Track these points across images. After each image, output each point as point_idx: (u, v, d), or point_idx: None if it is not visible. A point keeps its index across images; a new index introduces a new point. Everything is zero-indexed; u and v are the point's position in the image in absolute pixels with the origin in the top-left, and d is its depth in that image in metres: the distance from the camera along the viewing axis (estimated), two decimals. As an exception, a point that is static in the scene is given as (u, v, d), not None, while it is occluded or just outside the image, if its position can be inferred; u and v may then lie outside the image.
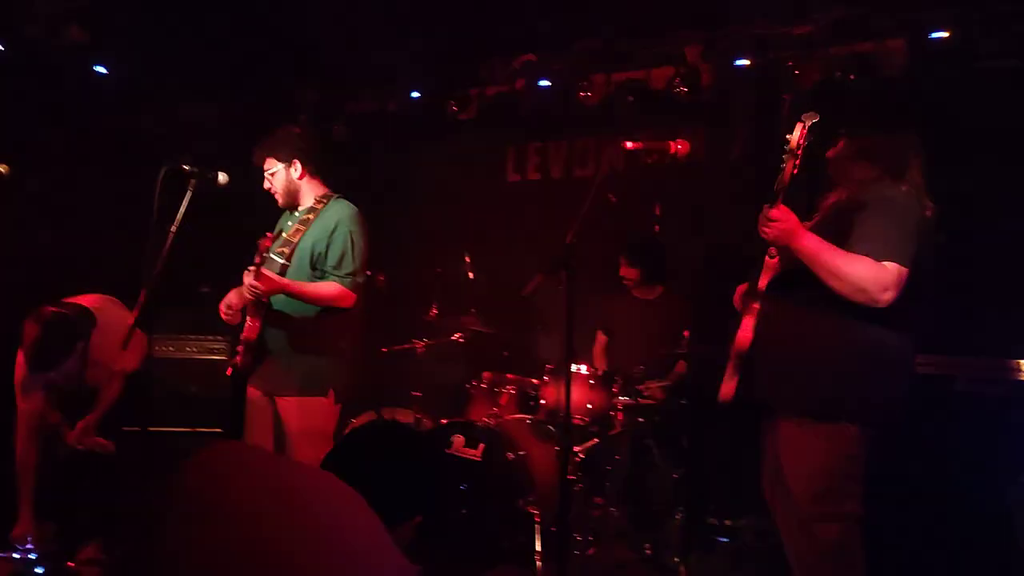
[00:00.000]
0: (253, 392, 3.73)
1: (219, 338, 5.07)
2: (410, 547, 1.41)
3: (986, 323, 4.04)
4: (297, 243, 3.63)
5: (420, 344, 5.18)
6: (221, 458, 1.50)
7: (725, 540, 4.54)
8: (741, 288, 3.06)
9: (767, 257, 2.87)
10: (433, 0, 4.95)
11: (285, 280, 3.54)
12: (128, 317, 3.57)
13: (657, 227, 5.13)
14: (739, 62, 5.19)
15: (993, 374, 3.76)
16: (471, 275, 5.10)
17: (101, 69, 5.60)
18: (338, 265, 3.62)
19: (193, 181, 3.34)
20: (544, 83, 5.81)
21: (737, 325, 2.89)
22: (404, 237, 6.04)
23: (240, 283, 3.74)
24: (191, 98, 5.89)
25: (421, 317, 5.10)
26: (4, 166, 3.81)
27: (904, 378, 2.74)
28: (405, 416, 5.20)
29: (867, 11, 4.74)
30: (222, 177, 3.45)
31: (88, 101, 5.40)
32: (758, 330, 2.84)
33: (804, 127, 2.66)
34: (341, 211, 3.73)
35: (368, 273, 3.86)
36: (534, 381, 4.64)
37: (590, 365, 4.59)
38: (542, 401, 4.53)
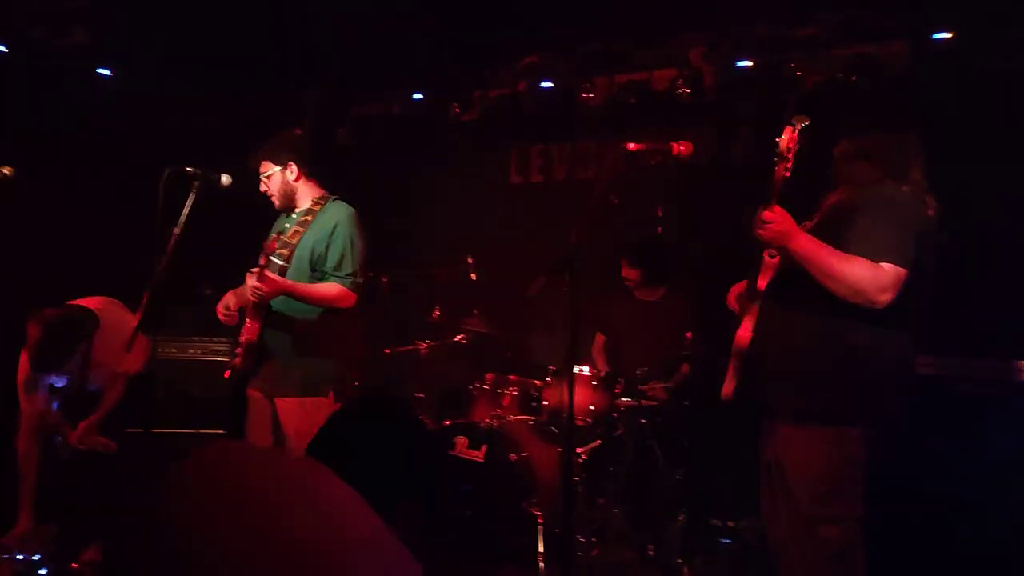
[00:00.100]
0: (253, 393, 3.75)
1: (221, 339, 5.08)
2: (412, 544, 1.40)
3: (987, 324, 4.04)
4: (296, 245, 3.65)
5: (423, 345, 5.18)
6: (225, 453, 1.50)
7: (728, 541, 4.53)
8: (736, 288, 3.06)
9: (767, 256, 2.87)
10: (436, 3, 4.96)
11: (288, 282, 3.55)
12: (131, 319, 3.60)
13: (660, 228, 5.13)
14: (741, 64, 5.19)
15: (994, 375, 3.76)
16: (474, 277, 5.10)
17: (105, 72, 5.62)
18: (338, 266, 3.64)
19: (196, 183, 3.36)
20: (547, 85, 5.82)
21: (738, 324, 2.90)
22: (407, 239, 6.06)
23: (237, 285, 3.76)
24: (195, 101, 5.90)
25: (424, 318, 5.10)
26: (8, 168, 3.83)
27: (904, 379, 2.73)
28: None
29: (869, 13, 4.74)
30: (225, 179, 3.48)
31: (91, 103, 5.41)
32: (757, 331, 2.84)
33: (794, 130, 2.66)
34: (339, 212, 3.75)
35: (372, 274, 3.87)
36: (537, 382, 4.64)
37: (592, 366, 4.59)
38: (545, 402, 4.53)
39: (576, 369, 4.23)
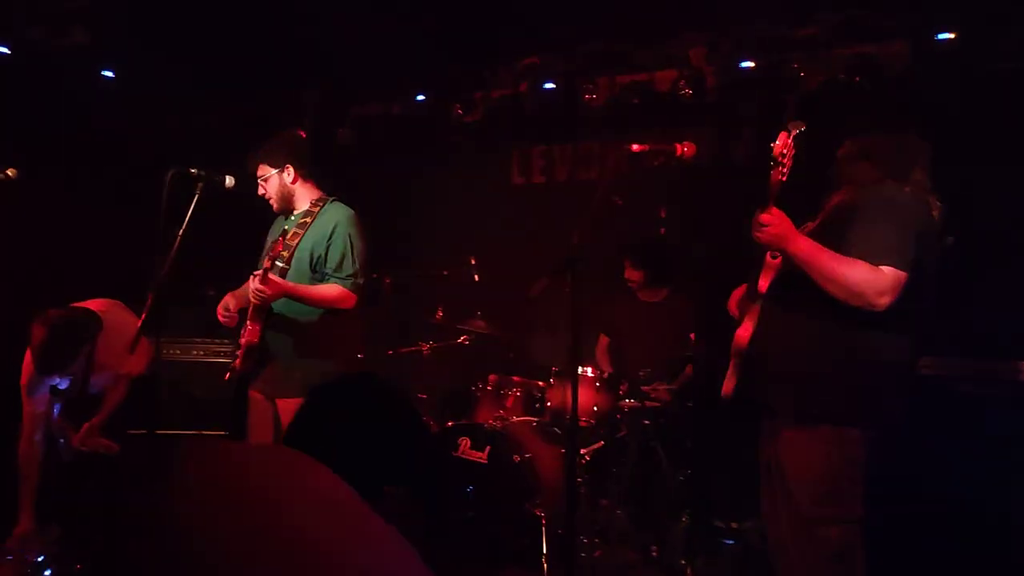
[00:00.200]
0: (255, 395, 3.76)
1: (224, 341, 5.08)
2: (415, 545, 1.40)
3: (988, 324, 4.03)
4: (295, 247, 3.65)
5: (426, 347, 5.19)
6: (226, 453, 1.50)
7: (731, 542, 4.53)
8: (737, 293, 3.06)
9: (769, 257, 2.87)
10: (437, 3, 4.96)
11: (290, 284, 3.56)
12: (134, 321, 3.60)
13: (663, 229, 5.13)
14: (743, 64, 5.20)
15: (995, 376, 3.75)
16: (476, 278, 5.11)
17: (107, 73, 5.63)
18: (338, 267, 3.65)
19: (200, 184, 3.37)
20: (549, 86, 5.82)
21: (738, 324, 2.90)
22: (409, 240, 6.06)
23: (237, 287, 3.77)
24: (196, 101, 5.90)
25: (427, 320, 5.10)
26: (12, 170, 3.83)
27: (904, 381, 2.73)
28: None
29: (870, 13, 4.74)
30: (229, 180, 3.49)
31: (92, 103, 5.41)
32: (758, 331, 2.84)
33: (788, 136, 2.66)
34: (338, 214, 3.75)
35: (375, 276, 3.87)
36: (540, 383, 4.64)
37: (595, 367, 4.59)
38: (548, 403, 4.53)
39: (580, 370, 4.23)
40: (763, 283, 2.91)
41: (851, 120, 3.01)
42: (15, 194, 3.90)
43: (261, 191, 3.82)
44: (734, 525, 4.60)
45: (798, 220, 2.80)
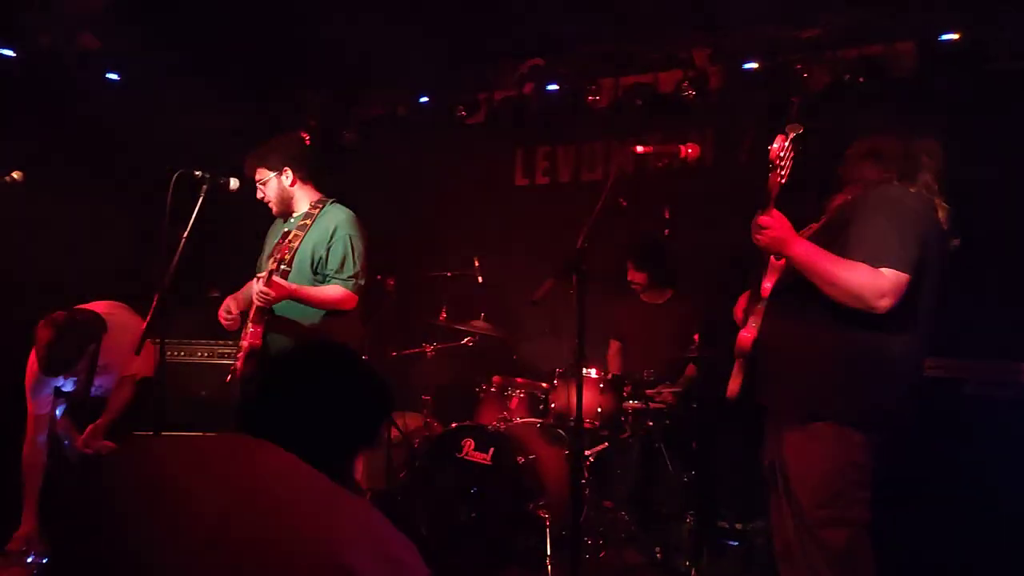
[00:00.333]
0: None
1: (229, 342, 5.08)
2: (418, 546, 1.39)
3: (996, 326, 4.02)
4: (296, 249, 3.65)
5: (430, 348, 5.19)
6: (146, 448, 1.51)
7: (735, 544, 4.53)
8: (743, 300, 3.05)
9: (772, 258, 2.87)
10: (441, 4, 4.96)
11: (294, 286, 3.56)
12: (139, 323, 3.61)
13: (667, 231, 5.12)
14: (747, 65, 5.19)
15: (1003, 377, 3.74)
16: (480, 279, 5.11)
17: (113, 76, 5.64)
18: (340, 268, 3.67)
19: (205, 187, 3.37)
20: (552, 87, 5.82)
21: (742, 325, 2.90)
22: (413, 241, 6.06)
23: (237, 289, 3.77)
24: (201, 103, 5.91)
25: (431, 321, 5.11)
26: (19, 172, 3.84)
27: (908, 384, 2.69)
28: (415, 420, 5.21)
29: (876, 14, 4.73)
30: (233, 182, 3.50)
31: (99, 107, 5.42)
32: (762, 332, 2.83)
33: (786, 139, 2.65)
34: (338, 215, 3.77)
35: (379, 277, 3.88)
36: (544, 385, 4.64)
37: (600, 369, 4.58)
38: (552, 405, 4.53)
39: (583, 371, 4.23)
40: (767, 284, 2.90)
41: (861, 121, 2.99)
42: (21, 196, 3.91)
43: (260, 195, 3.83)
44: (738, 526, 4.61)
45: (802, 222, 2.79)
